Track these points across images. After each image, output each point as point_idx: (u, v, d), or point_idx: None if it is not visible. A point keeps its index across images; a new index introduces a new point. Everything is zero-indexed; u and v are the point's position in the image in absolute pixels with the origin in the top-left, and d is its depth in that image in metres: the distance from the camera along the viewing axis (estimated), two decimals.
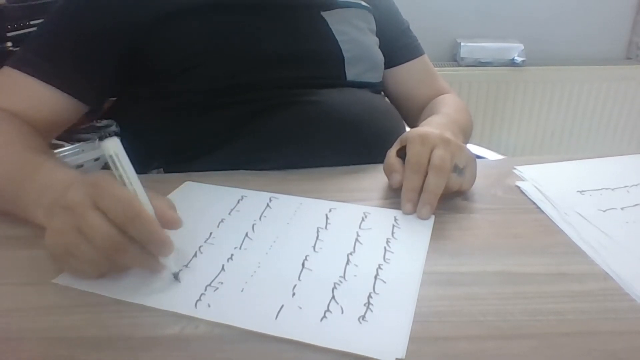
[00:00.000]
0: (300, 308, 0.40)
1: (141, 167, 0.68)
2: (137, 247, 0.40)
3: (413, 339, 0.36)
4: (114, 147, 0.40)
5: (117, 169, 0.41)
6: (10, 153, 0.56)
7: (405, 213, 0.54)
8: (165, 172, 0.68)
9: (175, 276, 0.43)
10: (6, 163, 0.54)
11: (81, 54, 0.66)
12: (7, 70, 0.64)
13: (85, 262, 0.40)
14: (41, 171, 0.51)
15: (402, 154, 0.58)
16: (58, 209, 0.41)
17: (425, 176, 0.54)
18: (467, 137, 0.78)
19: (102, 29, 0.66)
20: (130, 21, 0.67)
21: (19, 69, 0.64)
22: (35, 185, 0.50)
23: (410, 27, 0.92)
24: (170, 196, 0.57)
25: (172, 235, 0.49)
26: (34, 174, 0.51)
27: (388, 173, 0.59)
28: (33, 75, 0.63)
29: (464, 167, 0.57)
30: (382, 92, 0.87)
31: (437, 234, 0.51)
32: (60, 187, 0.47)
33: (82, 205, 0.39)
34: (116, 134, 0.79)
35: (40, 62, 0.64)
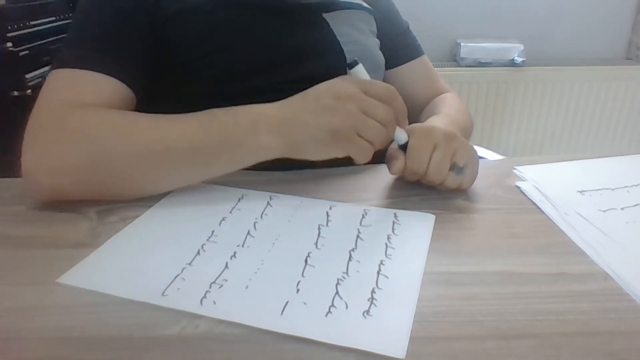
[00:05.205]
0: (305, 304, 0.40)
1: None
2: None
3: (413, 339, 0.36)
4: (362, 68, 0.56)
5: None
6: (156, 118, 0.56)
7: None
8: None
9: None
10: (169, 125, 0.56)
11: (128, 42, 0.65)
12: (62, 72, 0.61)
13: (372, 136, 0.52)
14: (223, 112, 0.55)
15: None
16: (328, 99, 0.53)
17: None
18: (467, 137, 0.78)
19: (136, 12, 0.65)
20: (153, 12, 0.66)
21: (76, 67, 0.61)
22: (240, 116, 0.55)
23: (410, 27, 0.92)
24: (171, 195, 0.57)
25: (174, 233, 0.50)
26: (223, 115, 0.55)
27: (388, 160, 0.59)
28: (94, 70, 0.61)
29: (465, 165, 0.57)
30: None
31: (437, 234, 0.51)
32: (271, 109, 0.55)
33: (359, 94, 0.52)
34: None
35: (96, 56, 0.62)
